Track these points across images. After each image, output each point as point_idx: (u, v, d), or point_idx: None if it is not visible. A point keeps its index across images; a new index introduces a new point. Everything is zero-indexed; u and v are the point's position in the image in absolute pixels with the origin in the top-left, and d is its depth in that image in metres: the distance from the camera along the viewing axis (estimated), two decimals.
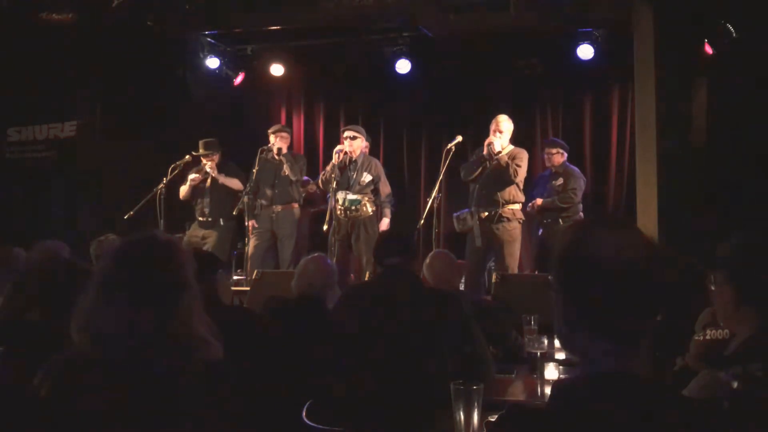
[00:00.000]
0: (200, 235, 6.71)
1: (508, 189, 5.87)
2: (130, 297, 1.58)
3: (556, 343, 3.11)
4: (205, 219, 6.72)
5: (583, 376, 1.22)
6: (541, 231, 6.65)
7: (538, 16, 6.21)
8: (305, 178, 7.08)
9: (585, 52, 6.80)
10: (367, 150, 6.55)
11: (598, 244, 1.19)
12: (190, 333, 1.62)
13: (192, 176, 6.67)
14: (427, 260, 3.94)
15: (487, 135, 6.04)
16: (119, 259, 1.66)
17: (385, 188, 6.43)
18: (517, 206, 5.93)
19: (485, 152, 5.93)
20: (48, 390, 1.56)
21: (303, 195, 6.83)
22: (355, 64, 7.95)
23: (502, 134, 5.97)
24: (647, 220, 5.24)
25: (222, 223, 6.72)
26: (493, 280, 5.29)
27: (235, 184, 6.73)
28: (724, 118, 5.69)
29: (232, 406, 1.64)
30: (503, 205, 5.86)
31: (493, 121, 6.05)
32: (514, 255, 5.87)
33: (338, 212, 6.16)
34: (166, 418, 1.53)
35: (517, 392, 2.80)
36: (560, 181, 6.51)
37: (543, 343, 2.89)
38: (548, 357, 2.95)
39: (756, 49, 5.58)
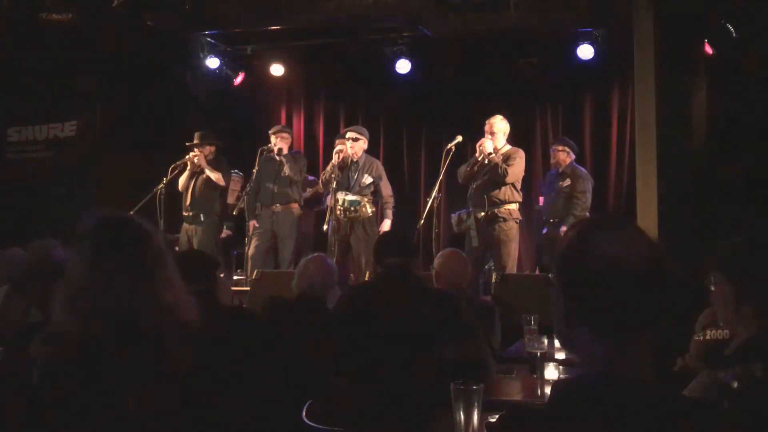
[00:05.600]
0: (183, 230, 6.64)
1: (503, 189, 5.87)
2: (118, 270, 1.65)
3: (556, 343, 3.11)
4: (188, 214, 6.66)
5: (583, 376, 1.22)
6: (545, 230, 6.62)
7: (538, 16, 6.21)
8: (310, 177, 7.08)
9: (585, 52, 6.80)
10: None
11: (599, 243, 1.19)
12: (176, 297, 1.70)
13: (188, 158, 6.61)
14: (440, 259, 3.93)
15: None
16: (98, 237, 1.72)
17: (387, 189, 6.42)
18: (514, 206, 5.91)
19: (477, 153, 5.94)
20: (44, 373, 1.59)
21: (309, 194, 6.83)
22: (355, 64, 7.95)
23: (495, 135, 5.97)
24: (647, 220, 5.23)
25: (202, 218, 6.61)
26: (493, 280, 5.29)
27: (218, 178, 6.62)
28: (724, 118, 5.68)
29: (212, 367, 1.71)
30: (499, 205, 5.86)
31: (487, 122, 6.05)
32: (512, 255, 5.87)
33: (338, 212, 6.16)
34: (161, 381, 1.59)
35: (517, 392, 2.80)
36: (567, 182, 6.43)
37: (543, 343, 2.89)
38: (548, 357, 2.95)
39: (756, 49, 5.58)
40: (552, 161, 6.66)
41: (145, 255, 1.69)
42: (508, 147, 6.04)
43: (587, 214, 6.36)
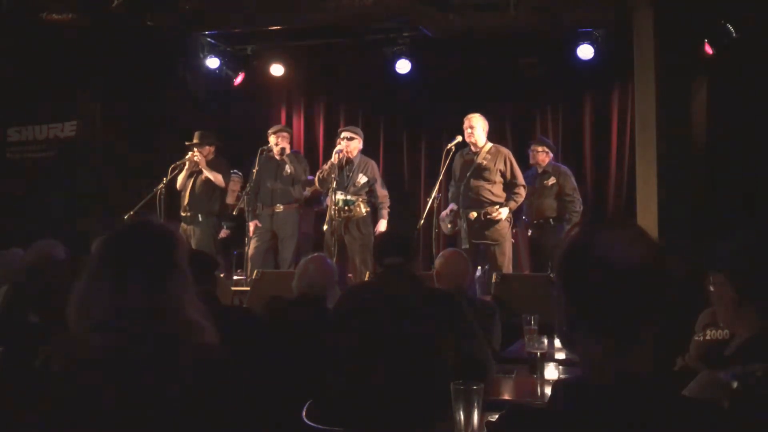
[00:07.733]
0: (181, 230, 6.62)
1: (495, 189, 5.88)
2: (116, 279, 1.58)
3: (556, 343, 3.11)
4: (185, 214, 6.67)
5: (583, 376, 1.22)
6: (531, 232, 6.63)
7: (538, 16, 6.21)
8: (310, 177, 7.09)
9: (585, 52, 6.80)
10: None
11: (600, 244, 1.19)
12: (180, 316, 1.61)
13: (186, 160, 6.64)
14: (441, 258, 3.94)
15: None
16: (108, 243, 1.66)
17: (382, 190, 6.42)
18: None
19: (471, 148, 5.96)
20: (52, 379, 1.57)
21: (309, 194, 6.82)
22: (355, 64, 7.95)
23: (474, 129, 5.96)
24: (647, 220, 5.24)
25: (200, 218, 6.61)
26: (493, 280, 5.29)
27: (218, 179, 6.64)
28: (724, 118, 5.69)
29: (229, 390, 1.62)
30: (491, 205, 5.86)
31: (465, 118, 6.04)
32: (506, 254, 5.87)
33: (333, 212, 6.17)
34: (157, 403, 1.53)
35: (517, 392, 2.80)
36: (552, 180, 6.47)
37: (543, 343, 2.89)
38: (548, 357, 2.95)
39: (756, 49, 5.58)
40: (531, 161, 6.66)
41: (150, 266, 1.61)
42: (490, 145, 6.04)
43: (577, 210, 6.40)
